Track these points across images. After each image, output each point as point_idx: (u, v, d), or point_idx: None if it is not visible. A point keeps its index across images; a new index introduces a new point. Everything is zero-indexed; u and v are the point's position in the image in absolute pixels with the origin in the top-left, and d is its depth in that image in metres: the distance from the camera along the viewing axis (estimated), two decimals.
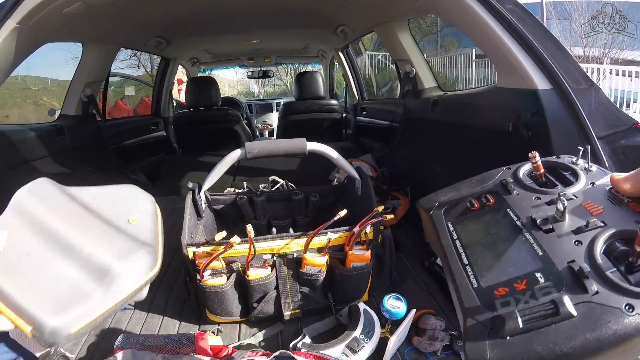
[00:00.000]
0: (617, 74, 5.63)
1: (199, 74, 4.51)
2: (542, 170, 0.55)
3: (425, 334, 1.05)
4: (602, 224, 0.41)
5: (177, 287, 1.31)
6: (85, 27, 1.89)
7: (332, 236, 1.01)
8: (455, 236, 0.54)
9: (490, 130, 1.45)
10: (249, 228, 0.96)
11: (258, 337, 1.08)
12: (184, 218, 1.11)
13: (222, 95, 5.77)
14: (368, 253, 1.06)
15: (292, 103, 3.15)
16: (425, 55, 2.21)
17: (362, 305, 1.05)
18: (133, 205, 0.76)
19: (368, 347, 0.96)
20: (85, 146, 2.25)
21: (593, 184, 0.49)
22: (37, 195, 0.67)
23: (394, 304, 1.05)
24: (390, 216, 1.08)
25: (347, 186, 1.38)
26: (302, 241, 1.04)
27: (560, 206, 0.44)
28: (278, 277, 1.07)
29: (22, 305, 0.53)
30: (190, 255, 1.02)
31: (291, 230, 1.34)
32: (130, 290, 0.60)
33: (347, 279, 1.08)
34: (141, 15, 2.11)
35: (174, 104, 3.98)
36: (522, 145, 1.23)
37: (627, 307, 0.34)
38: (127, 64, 3.49)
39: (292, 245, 1.05)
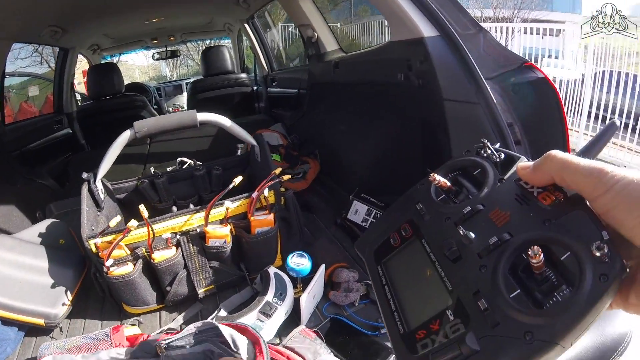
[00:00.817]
0: (525, 32, 5.97)
1: (103, 62, 4.23)
2: (447, 186, 0.48)
3: (340, 287, 1.09)
4: (508, 236, 0.37)
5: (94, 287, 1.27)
6: None
7: (230, 205, 1.01)
8: (384, 281, 0.49)
9: (386, 84, 1.49)
10: (142, 208, 0.93)
11: (178, 320, 1.07)
12: (81, 210, 1.05)
13: (132, 82, 5.50)
14: (271, 216, 1.07)
15: (200, 81, 3.04)
16: (339, 24, 2.22)
17: (272, 270, 1.07)
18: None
19: (282, 309, 0.98)
20: None
21: (501, 180, 0.44)
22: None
23: (298, 262, 1.07)
24: (287, 176, 1.10)
25: (249, 155, 1.38)
26: (201, 215, 1.03)
27: (461, 231, 0.41)
28: (185, 255, 1.05)
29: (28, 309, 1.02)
30: (93, 248, 0.98)
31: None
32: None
33: (254, 245, 1.09)
34: (30, 3, 1.92)
35: (78, 98, 3.72)
36: (416, 93, 1.29)
37: (526, 335, 0.32)
38: (28, 61, 3.18)
39: (193, 220, 1.04)
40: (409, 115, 1.41)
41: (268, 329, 0.95)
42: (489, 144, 0.48)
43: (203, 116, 1.18)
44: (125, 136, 1.14)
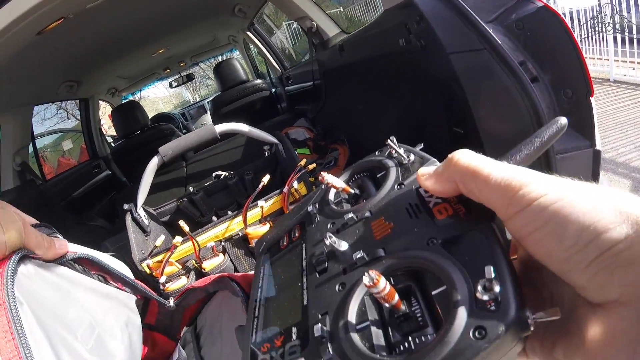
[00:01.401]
0: None
1: (124, 101, 4.40)
2: (340, 188, 0.42)
3: None
4: (382, 253, 0.31)
5: None
6: None
7: (264, 204, 1.03)
8: (259, 282, 0.45)
9: (392, 53, 1.47)
10: (181, 224, 0.97)
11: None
12: (129, 238, 1.11)
13: (156, 113, 5.69)
14: None
15: (219, 96, 3.10)
16: (342, 7, 2.21)
17: None
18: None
19: None
20: (35, 212, 2.20)
21: (401, 184, 0.37)
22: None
23: None
24: (313, 165, 1.11)
25: (276, 154, 1.40)
26: (240, 219, 1.06)
27: (327, 240, 0.34)
28: (233, 259, 1.09)
29: None
30: (147, 270, 1.03)
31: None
32: None
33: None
34: (41, 67, 2.04)
35: (110, 141, 3.90)
36: (421, 55, 1.26)
37: None
38: (56, 120, 3.40)
39: (234, 225, 1.07)
40: (422, 79, 1.38)
41: None
42: (394, 142, 0.41)
43: (221, 127, 1.21)
44: (153, 163, 1.19)
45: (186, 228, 0.97)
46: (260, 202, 1.03)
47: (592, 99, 0.90)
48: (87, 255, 0.56)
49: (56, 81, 2.52)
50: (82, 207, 2.73)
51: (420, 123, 1.51)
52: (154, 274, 1.02)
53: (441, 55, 1.08)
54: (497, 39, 0.96)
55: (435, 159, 0.38)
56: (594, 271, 0.20)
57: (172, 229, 1.37)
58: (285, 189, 1.06)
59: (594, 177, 0.94)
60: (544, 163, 0.90)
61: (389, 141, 0.41)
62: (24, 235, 0.41)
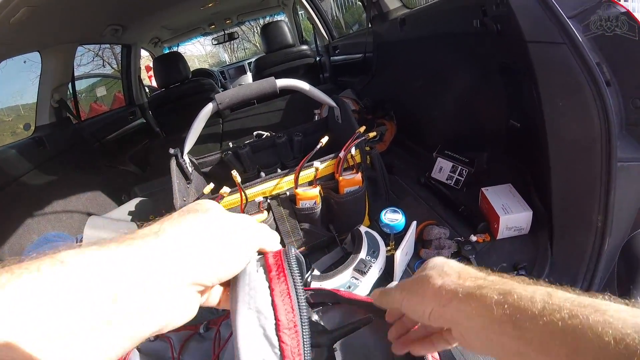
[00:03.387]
0: None
1: (164, 53, 4.39)
2: None
3: (432, 244, 1.06)
4: None
5: None
6: (37, 33, 1.81)
7: (319, 165, 1.00)
8: None
9: (459, 34, 1.41)
10: (234, 173, 0.94)
11: None
12: (172, 183, 1.09)
13: (196, 68, 5.66)
14: (359, 175, 1.05)
15: (263, 57, 3.03)
16: None
17: (363, 229, 1.05)
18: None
19: (376, 267, 0.97)
20: (68, 150, 2.23)
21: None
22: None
23: (392, 217, 1.05)
24: (372, 133, 1.06)
25: (328, 119, 1.35)
26: (291, 178, 1.03)
27: None
28: (276, 218, 1.06)
29: None
30: None
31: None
32: None
33: (343, 205, 1.07)
34: (90, 6, 2.02)
35: (147, 91, 3.89)
36: (494, 40, 1.20)
37: None
38: (91, 67, 3.42)
39: (283, 184, 1.04)
40: (488, 65, 1.33)
41: (363, 287, 0.94)
42: None
43: (282, 82, 1.17)
44: (208, 109, 1.15)
45: (238, 179, 0.94)
46: (316, 163, 0.99)
47: None
48: None
49: (103, 23, 2.49)
50: (115, 151, 2.75)
51: (476, 110, 1.45)
52: None
53: (518, 43, 1.04)
54: (578, 36, 0.93)
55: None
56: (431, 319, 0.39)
57: (211, 181, 1.35)
58: (341, 154, 1.02)
59: None
60: (605, 170, 0.88)
61: None
62: None
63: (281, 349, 0.34)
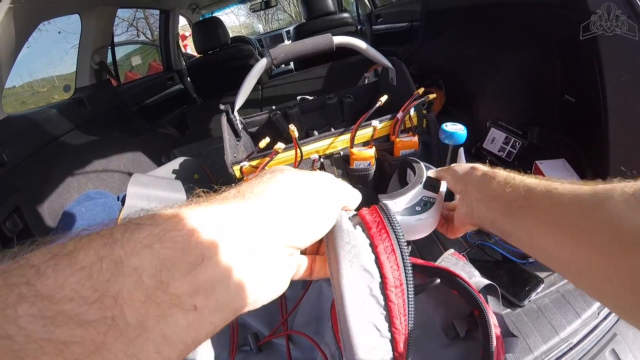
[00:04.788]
0: None
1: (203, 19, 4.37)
2: None
3: None
4: None
5: None
6: None
7: (378, 124, 0.97)
8: None
9: (516, 4, 1.35)
10: (292, 127, 0.93)
11: None
12: (224, 139, 1.08)
13: (234, 36, 5.63)
14: (415, 138, 1.02)
15: (303, 25, 2.98)
16: None
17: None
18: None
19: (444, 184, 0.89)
20: (108, 112, 2.27)
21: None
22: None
23: (453, 128, 0.96)
24: (433, 95, 1.02)
25: (379, 82, 1.32)
26: (346, 137, 1.01)
27: None
28: None
29: None
30: (238, 174, 1.01)
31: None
32: None
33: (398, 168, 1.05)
34: None
35: (184, 58, 3.90)
36: (555, 11, 1.14)
37: None
38: (127, 36, 3.44)
39: (337, 143, 1.02)
40: (546, 37, 1.26)
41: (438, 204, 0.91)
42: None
43: (338, 39, 1.14)
44: (262, 64, 1.13)
45: (296, 133, 0.92)
46: (374, 122, 0.97)
47: None
48: None
49: None
50: (154, 115, 2.78)
51: (529, 82, 1.40)
52: (244, 179, 0.99)
53: (583, 15, 1.00)
54: None
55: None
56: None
57: (258, 141, 1.35)
58: (399, 115, 0.99)
59: None
60: None
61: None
62: None
63: (389, 308, 0.34)
